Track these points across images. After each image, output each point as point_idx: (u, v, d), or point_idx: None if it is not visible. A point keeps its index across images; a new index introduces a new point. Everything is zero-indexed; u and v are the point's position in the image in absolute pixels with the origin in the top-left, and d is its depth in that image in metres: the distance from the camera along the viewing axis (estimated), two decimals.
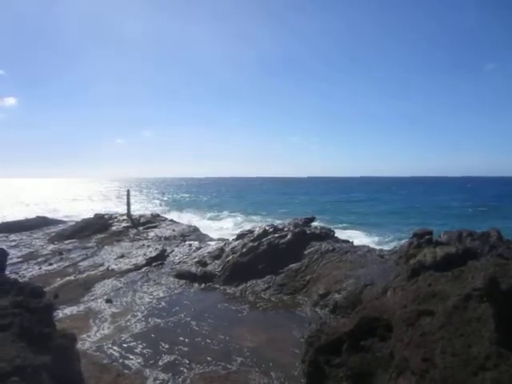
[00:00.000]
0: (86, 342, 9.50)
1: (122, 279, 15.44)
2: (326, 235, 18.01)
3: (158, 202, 76.70)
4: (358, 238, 27.85)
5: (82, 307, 12.29)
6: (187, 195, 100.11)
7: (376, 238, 30.14)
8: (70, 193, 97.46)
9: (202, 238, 23.33)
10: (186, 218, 36.64)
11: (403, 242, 15.99)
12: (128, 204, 30.24)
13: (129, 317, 11.39)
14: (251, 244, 16.45)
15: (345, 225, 39.83)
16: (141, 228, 26.18)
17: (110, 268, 17.09)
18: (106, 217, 28.94)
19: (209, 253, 17.86)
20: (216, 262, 16.56)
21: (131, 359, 8.77)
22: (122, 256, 19.00)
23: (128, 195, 31.18)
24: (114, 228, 26.22)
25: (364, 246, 16.65)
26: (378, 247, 18.03)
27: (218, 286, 14.67)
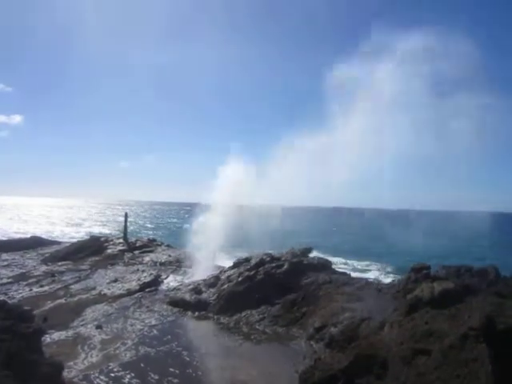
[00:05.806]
0: (73, 370, 9.18)
1: (113, 304, 15.14)
2: (324, 266, 17.87)
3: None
4: None
5: (70, 332, 11.99)
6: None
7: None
8: (68, 214, 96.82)
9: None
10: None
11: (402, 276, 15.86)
12: (125, 227, 30.09)
13: (118, 344, 11.10)
14: (247, 273, 16.26)
15: None
16: (136, 252, 25.94)
17: (102, 292, 16.79)
18: (101, 239, 28.73)
19: (204, 280, 17.62)
20: (211, 290, 16.30)
21: None
22: (116, 280, 18.72)
23: (126, 218, 31.10)
24: (109, 251, 25.96)
25: (362, 279, 16.50)
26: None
27: (211, 315, 14.38)
